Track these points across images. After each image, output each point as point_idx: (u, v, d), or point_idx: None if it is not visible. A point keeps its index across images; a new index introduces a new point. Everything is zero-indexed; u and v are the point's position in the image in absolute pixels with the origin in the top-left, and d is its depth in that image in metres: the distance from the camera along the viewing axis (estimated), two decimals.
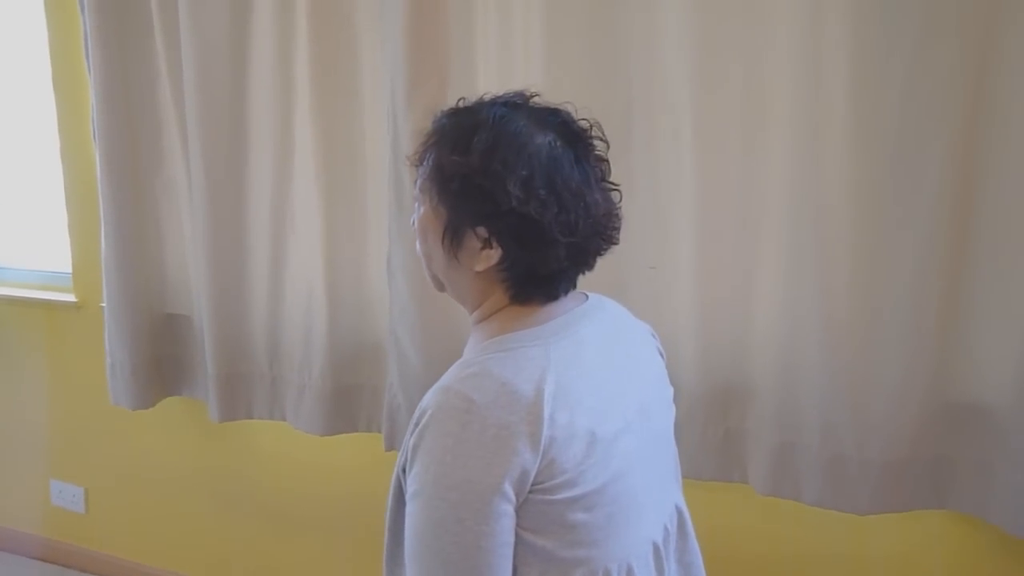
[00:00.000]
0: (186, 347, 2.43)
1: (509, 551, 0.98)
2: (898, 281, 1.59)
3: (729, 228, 1.73)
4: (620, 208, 1.14)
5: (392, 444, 2.09)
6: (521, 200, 1.01)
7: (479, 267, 1.08)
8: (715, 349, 1.78)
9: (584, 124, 1.12)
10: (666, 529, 1.17)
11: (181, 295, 2.41)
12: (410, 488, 0.99)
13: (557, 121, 1.09)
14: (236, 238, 2.21)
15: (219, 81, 2.12)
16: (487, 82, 1.85)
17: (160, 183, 2.35)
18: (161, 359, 2.44)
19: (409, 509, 0.99)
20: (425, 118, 1.82)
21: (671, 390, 1.27)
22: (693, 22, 1.66)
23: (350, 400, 2.19)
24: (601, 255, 1.13)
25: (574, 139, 1.09)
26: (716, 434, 1.80)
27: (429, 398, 1.01)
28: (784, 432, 1.73)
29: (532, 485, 0.97)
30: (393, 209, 1.94)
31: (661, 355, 1.29)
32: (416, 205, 1.14)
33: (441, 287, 1.18)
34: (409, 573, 1.00)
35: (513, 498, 0.96)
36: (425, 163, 1.11)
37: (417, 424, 1.00)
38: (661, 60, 1.72)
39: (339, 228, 2.11)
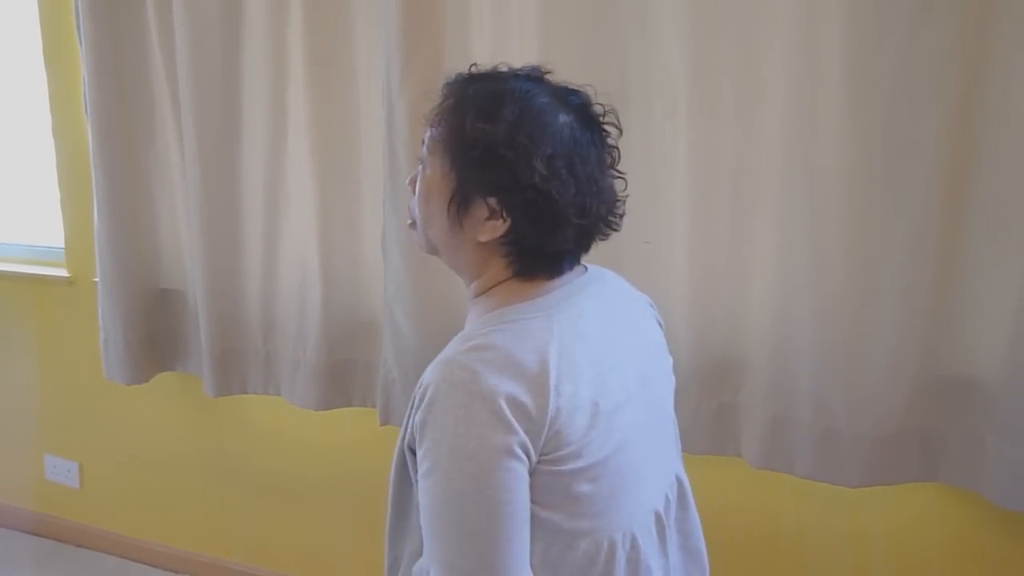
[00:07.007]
0: (180, 322, 2.42)
1: (527, 515, 0.98)
2: (892, 256, 1.60)
3: (724, 204, 1.73)
4: (626, 196, 1.14)
5: (387, 419, 2.10)
6: (545, 177, 1.00)
7: (483, 237, 1.06)
8: (709, 323, 1.79)
9: (599, 109, 1.11)
10: (667, 498, 1.17)
11: (175, 270, 2.40)
12: (423, 465, 0.98)
13: (577, 102, 1.08)
14: (230, 213, 2.20)
15: (212, 56, 2.10)
16: (482, 59, 1.82)
17: (153, 157, 2.33)
18: (155, 334, 2.43)
19: (424, 486, 0.98)
20: (420, 94, 1.85)
21: (671, 360, 1.27)
22: None
23: (345, 375, 2.19)
24: (602, 239, 1.14)
25: (591, 122, 1.08)
26: (709, 408, 1.82)
27: (432, 373, 0.99)
28: (777, 406, 1.74)
29: (539, 456, 0.97)
30: (387, 183, 1.93)
31: (660, 325, 1.29)
32: (420, 165, 1.12)
33: (433, 250, 1.15)
34: (431, 549, 0.98)
35: (526, 462, 0.96)
36: (439, 124, 1.08)
37: (422, 400, 0.98)
38: (656, 36, 1.71)
39: (333, 202, 2.10)
